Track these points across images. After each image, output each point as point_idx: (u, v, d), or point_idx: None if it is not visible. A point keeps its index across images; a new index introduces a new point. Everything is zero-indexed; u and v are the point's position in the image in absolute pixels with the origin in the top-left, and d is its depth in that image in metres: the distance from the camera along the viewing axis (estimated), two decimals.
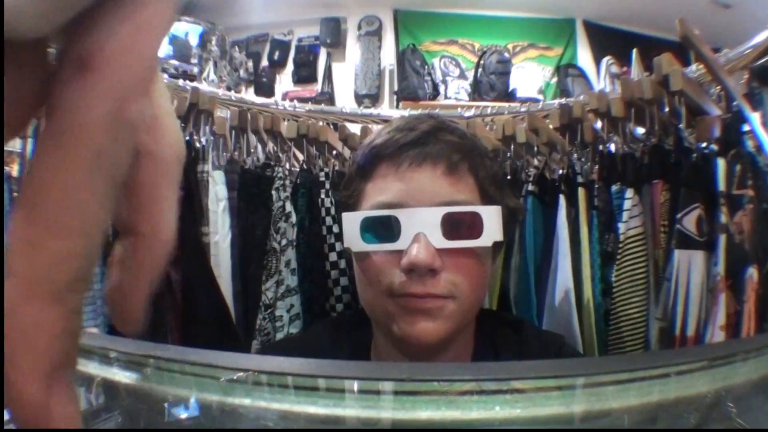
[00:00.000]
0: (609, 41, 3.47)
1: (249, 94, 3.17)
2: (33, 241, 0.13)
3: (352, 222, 0.64)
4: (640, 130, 1.15)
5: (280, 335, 1.08)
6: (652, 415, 0.21)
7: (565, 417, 0.19)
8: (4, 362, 0.13)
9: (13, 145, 1.23)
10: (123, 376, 0.23)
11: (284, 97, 3.36)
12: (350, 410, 0.21)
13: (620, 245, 1.01)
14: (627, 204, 1.02)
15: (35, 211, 0.13)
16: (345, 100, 3.44)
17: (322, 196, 1.17)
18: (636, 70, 2.08)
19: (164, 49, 3.19)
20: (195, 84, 1.38)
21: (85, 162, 0.13)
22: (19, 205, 0.13)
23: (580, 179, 1.10)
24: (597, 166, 1.12)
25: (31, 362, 0.13)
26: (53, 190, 0.13)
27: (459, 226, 0.62)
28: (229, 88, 3.11)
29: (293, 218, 1.15)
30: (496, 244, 0.65)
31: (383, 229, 0.63)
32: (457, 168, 0.64)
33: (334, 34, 3.59)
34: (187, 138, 1.19)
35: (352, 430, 0.21)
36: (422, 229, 0.60)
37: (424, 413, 0.20)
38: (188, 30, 3.29)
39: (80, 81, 0.13)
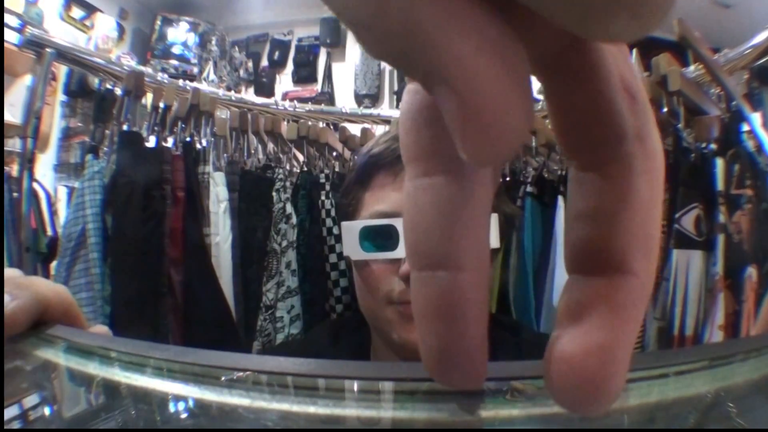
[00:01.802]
0: None
1: (249, 94, 3.17)
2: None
3: (351, 231, 0.64)
4: None
5: (280, 336, 1.08)
6: (651, 415, 0.21)
7: (565, 417, 0.19)
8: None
9: (13, 145, 1.23)
10: (123, 376, 0.23)
11: (284, 97, 3.36)
12: (350, 410, 0.21)
13: None
14: None
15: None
16: (345, 100, 3.44)
17: (323, 197, 1.17)
18: (636, 70, 2.08)
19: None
20: (195, 84, 1.38)
21: None
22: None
23: None
24: None
25: None
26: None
27: None
28: (229, 88, 3.11)
29: (294, 219, 1.15)
30: (492, 250, 0.65)
31: (382, 237, 0.63)
32: None
33: (334, 34, 3.59)
34: (188, 139, 1.19)
35: (351, 430, 0.21)
36: None
37: (424, 413, 0.20)
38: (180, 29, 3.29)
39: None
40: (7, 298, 0.27)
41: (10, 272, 0.29)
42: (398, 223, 0.62)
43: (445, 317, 0.13)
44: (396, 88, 3.44)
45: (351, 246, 0.64)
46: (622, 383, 0.13)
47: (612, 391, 0.12)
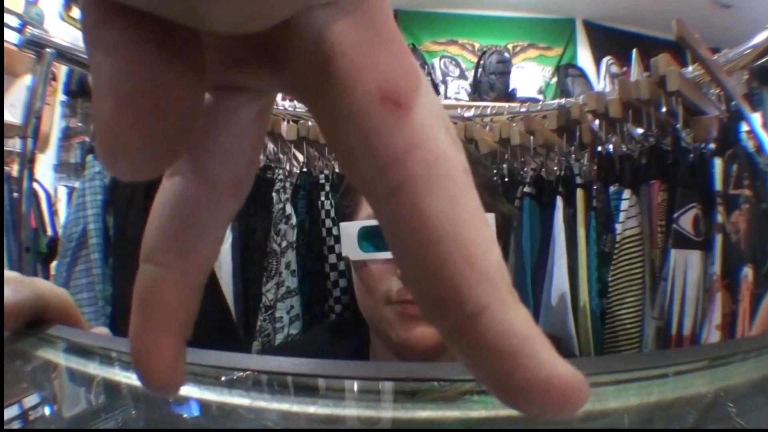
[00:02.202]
0: (609, 41, 3.47)
1: None
2: None
3: (349, 231, 0.65)
4: (639, 131, 1.15)
5: (280, 336, 1.08)
6: (651, 415, 0.21)
7: (565, 417, 0.19)
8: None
9: (13, 145, 1.23)
10: (123, 376, 0.23)
11: (284, 97, 3.36)
12: (350, 410, 0.21)
13: (617, 245, 1.02)
14: (624, 204, 1.02)
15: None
16: None
17: (322, 198, 1.17)
18: (636, 71, 2.08)
19: None
20: None
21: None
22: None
23: (578, 180, 1.10)
24: (595, 167, 1.13)
25: None
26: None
27: None
28: None
29: (293, 220, 1.15)
30: None
31: (380, 237, 0.64)
32: None
33: None
34: None
35: (351, 430, 0.21)
36: None
37: (424, 413, 0.20)
38: None
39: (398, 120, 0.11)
40: (7, 291, 0.27)
41: (10, 274, 0.30)
42: None
43: (140, 309, 0.13)
44: None
45: (349, 246, 0.65)
46: None
47: None
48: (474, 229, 0.11)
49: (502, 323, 0.11)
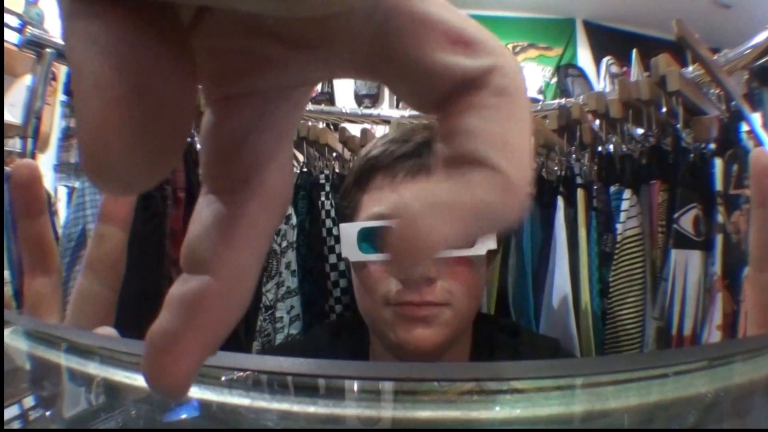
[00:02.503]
0: (609, 41, 3.47)
1: None
2: None
3: (349, 232, 0.65)
4: (639, 131, 1.15)
5: (280, 336, 1.08)
6: (651, 415, 0.21)
7: (565, 417, 0.19)
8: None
9: (13, 145, 1.23)
10: (123, 376, 0.23)
11: None
12: (350, 410, 0.21)
13: (617, 246, 1.02)
14: (624, 205, 1.02)
15: None
16: (345, 100, 3.44)
17: (322, 198, 1.17)
18: (636, 71, 2.08)
19: None
20: None
21: None
22: None
23: (579, 180, 1.10)
24: (595, 167, 1.13)
25: None
26: None
27: None
28: None
29: (293, 220, 1.15)
30: (490, 252, 0.65)
31: (380, 239, 0.64)
32: None
33: None
34: (188, 140, 1.19)
35: (351, 430, 0.21)
36: None
37: (424, 413, 0.20)
38: None
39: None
40: None
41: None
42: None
43: (180, 315, 0.13)
44: None
45: (349, 247, 0.65)
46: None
47: None
48: (525, 144, 0.12)
49: None
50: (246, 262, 0.13)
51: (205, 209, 0.13)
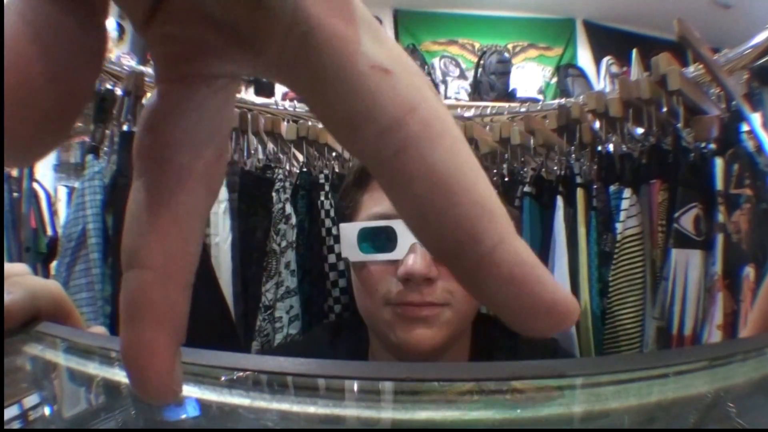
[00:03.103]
0: (609, 41, 3.47)
1: (249, 94, 3.16)
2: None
3: (349, 232, 0.65)
4: (639, 130, 1.15)
5: (279, 336, 1.08)
6: (651, 415, 0.21)
7: (565, 417, 0.19)
8: None
9: None
10: (123, 376, 0.23)
11: (284, 97, 3.36)
12: (350, 410, 0.21)
13: (617, 245, 1.02)
14: (624, 204, 1.02)
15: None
16: None
17: (322, 198, 1.17)
18: (636, 70, 2.08)
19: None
20: None
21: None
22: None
23: (579, 180, 1.10)
24: (595, 167, 1.12)
25: None
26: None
27: None
28: None
29: (293, 220, 1.15)
30: None
31: (380, 239, 0.64)
32: None
33: None
34: None
35: (351, 430, 0.21)
36: None
37: (424, 413, 0.20)
38: None
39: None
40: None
41: (17, 268, 0.29)
42: (396, 225, 0.62)
43: (130, 315, 0.13)
44: None
45: (349, 247, 0.65)
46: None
47: None
48: (476, 175, 0.12)
49: (515, 255, 0.12)
50: (176, 245, 0.13)
51: (132, 200, 0.14)
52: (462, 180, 0.12)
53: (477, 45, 3.60)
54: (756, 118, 0.95)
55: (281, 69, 0.12)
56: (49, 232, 1.81)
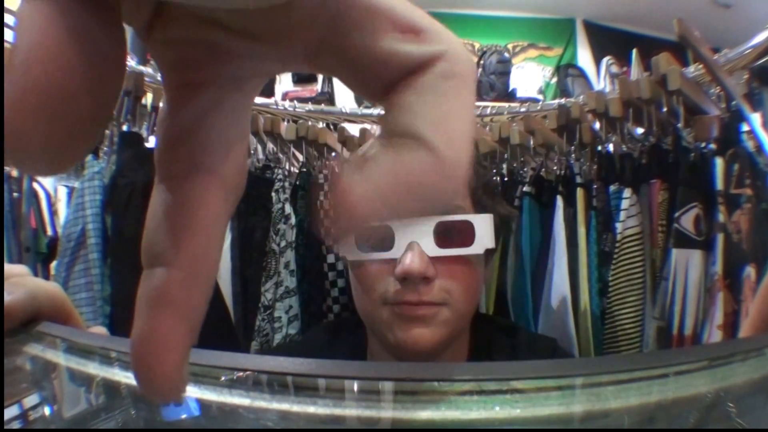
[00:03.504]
0: (609, 41, 3.47)
1: None
2: None
3: None
4: (639, 130, 1.15)
5: (278, 336, 1.08)
6: (651, 415, 0.21)
7: (565, 417, 0.19)
8: None
9: None
10: (123, 376, 0.23)
11: (284, 97, 3.36)
12: (350, 410, 0.21)
13: (617, 245, 1.02)
14: (624, 204, 1.02)
15: None
16: (345, 100, 3.44)
17: (322, 198, 1.17)
18: (636, 70, 2.08)
19: None
20: None
21: None
22: None
23: (579, 179, 1.10)
24: (595, 167, 1.12)
25: None
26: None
27: (451, 234, 0.63)
28: None
29: (293, 220, 1.15)
30: (488, 251, 0.65)
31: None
32: None
33: None
34: None
35: (351, 430, 0.21)
36: (415, 237, 0.61)
37: (424, 413, 0.20)
38: None
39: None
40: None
41: (18, 269, 0.29)
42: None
43: (149, 312, 0.13)
44: None
45: (347, 246, 0.65)
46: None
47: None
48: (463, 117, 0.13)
49: None
50: (202, 247, 0.13)
51: (157, 202, 0.14)
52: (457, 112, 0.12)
53: (477, 45, 3.60)
54: (756, 118, 0.95)
55: (315, 55, 0.13)
56: (49, 232, 1.81)
